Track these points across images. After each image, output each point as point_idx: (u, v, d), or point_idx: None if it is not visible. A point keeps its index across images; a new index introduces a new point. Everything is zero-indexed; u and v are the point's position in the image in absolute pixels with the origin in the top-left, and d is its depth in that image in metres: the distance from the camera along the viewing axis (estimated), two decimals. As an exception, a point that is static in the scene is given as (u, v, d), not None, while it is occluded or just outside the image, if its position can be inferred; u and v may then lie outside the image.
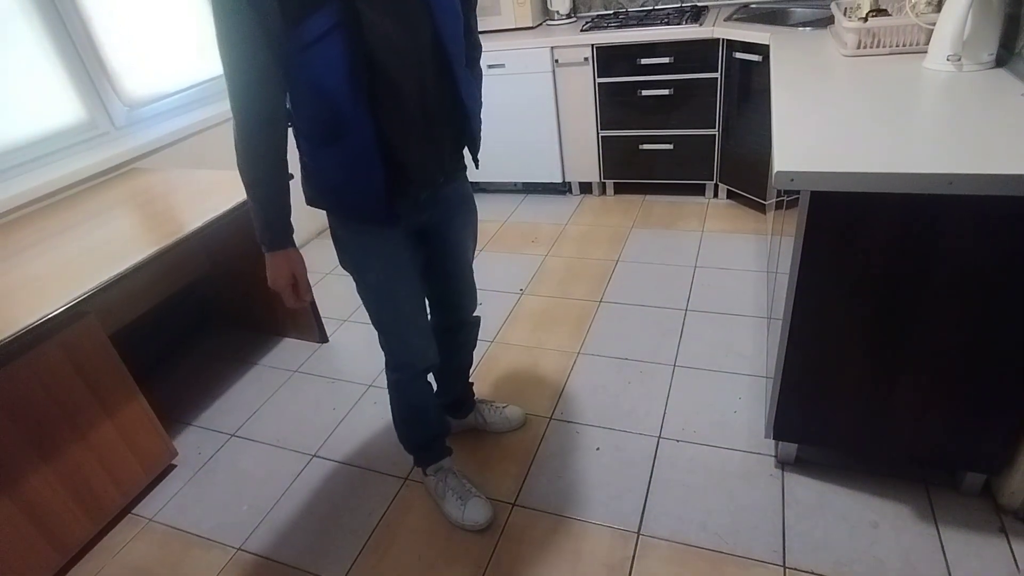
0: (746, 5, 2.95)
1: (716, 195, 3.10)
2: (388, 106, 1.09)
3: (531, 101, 3.08)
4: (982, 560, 1.33)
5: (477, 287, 1.58)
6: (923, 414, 1.35)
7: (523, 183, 3.47)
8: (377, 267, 1.31)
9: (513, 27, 3.14)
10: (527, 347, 2.20)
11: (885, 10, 1.79)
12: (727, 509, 1.52)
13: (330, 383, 2.16)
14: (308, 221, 3.10)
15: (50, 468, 1.50)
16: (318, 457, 1.85)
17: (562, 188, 3.41)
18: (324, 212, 1.27)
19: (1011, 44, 1.60)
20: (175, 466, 1.89)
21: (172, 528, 1.69)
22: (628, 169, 3.14)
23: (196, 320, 2.58)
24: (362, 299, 1.38)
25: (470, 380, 1.80)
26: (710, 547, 1.44)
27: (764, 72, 2.40)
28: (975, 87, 1.43)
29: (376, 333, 1.43)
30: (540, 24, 3.24)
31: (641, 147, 3.04)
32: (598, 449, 1.74)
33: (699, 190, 3.14)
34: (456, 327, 1.61)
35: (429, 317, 1.51)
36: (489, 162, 2.79)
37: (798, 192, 1.20)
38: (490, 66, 3.00)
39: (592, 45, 2.86)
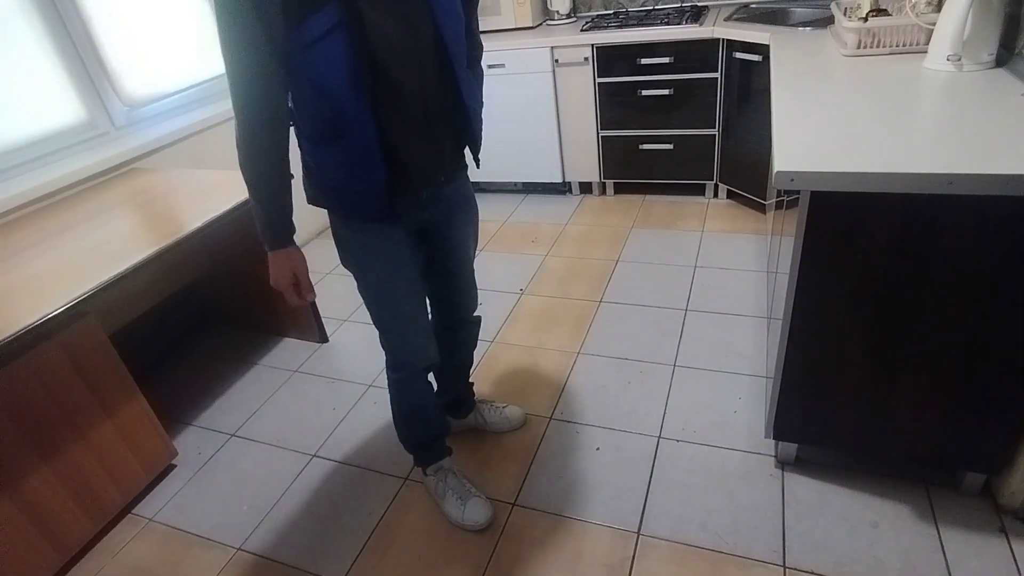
0: (746, 5, 2.95)
1: (716, 195, 3.10)
2: (389, 106, 1.10)
3: (531, 101, 3.08)
4: (982, 560, 1.33)
5: (477, 287, 1.58)
6: (923, 414, 1.35)
7: (523, 183, 3.47)
8: (378, 266, 1.31)
9: (513, 27, 3.14)
10: (527, 347, 2.20)
11: (885, 10, 1.79)
12: (727, 509, 1.52)
13: (330, 383, 2.16)
14: (309, 220, 3.10)
15: (50, 468, 1.50)
16: (318, 457, 1.85)
17: (562, 188, 3.41)
18: (325, 211, 1.27)
19: (1011, 44, 1.60)
20: (175, 466, 1.89)
21: (172, 528, 1.69)
22: (628, 169, 3.14)
23: (196, 320, 2.58)
24: (363, 298, 1.38)
25: (470, 380, 1.80)
26: (710, 547, 1.44)
27: (764, 72, 2.41)
28: (975, 87, 1.43)
29: (377, 332, 1.44)
30: (540, 24, 3.24)
31: (641, 147, 3.04)
32: (598, 449, 1.74)
33: (699, 190, 3.14)
34: (457, 326, 1.61)
35: (430, 316, 1.51)
36: (489, 162, 2.79)
37: (798, 192, 1.20)
38: (490, 66, 3.00)
39: (592, 45, 2.86)
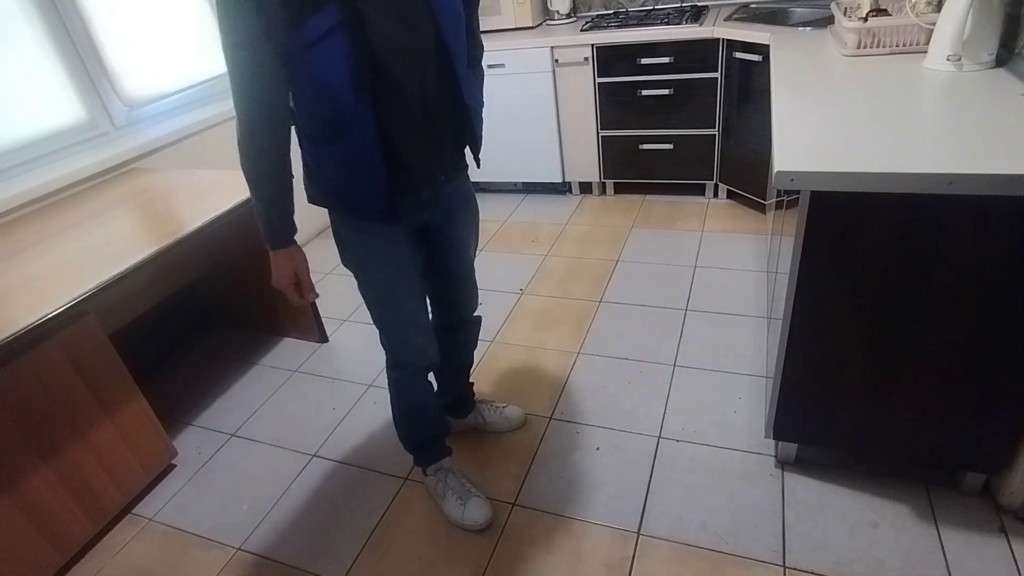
0: (746, 5, 2.95)
1: (716, 195, 3.10)
2: (390, 105, 1.10)
3: (531, 101, 3.08)
4: (982, 560, 1.33)
5: (478, 286, 1.58)
6: (923, 414, 1.35)
7: (523, 183, 3.47)
8: (378, 265, 1.32)
9: (513, 27, 3.14)
10: (527, 347, 2.20)
11: (885, 10, 1.79)
12: (727, 509, 1.52)
13: (330, 383, 2.16)
14: (309, 220, 3.10)
15: (50, 468, 1.50)
16: (318, 457, 1.85)
17: (562, 188, 3.41)
18: (325, 211, 1.27)
19: (1011, 44, 1.60)
20: (175, 466, 1.89)
21: (172, 528, 1.69)
22: (628, 169, 3.14)
23: (196, 320, 2.58)
24: (363, 297, 1.38)
25: (470, 380, 1.80)
26: (710, 547, 1.44)
27: (764, 72, 2.41)
28: (975, 87, 1.43)
29: (377, 332, 1.44)
30: (540, 24, 3.24)
31: (641, 147, 3.04)
32: (598, 449, 1.74)
33: (699, 190, 3.14)
34: (457, 326, 1.61)
35: (430, 316, 1.51)
36: (489, 162, 2.79)
37: (798, 192, 1.20)
38: (490, 66, 3.00)
39: (592, 45, 2.86)
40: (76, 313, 1.48)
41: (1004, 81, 1.45)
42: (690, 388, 1.91)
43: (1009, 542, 1.36)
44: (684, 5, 3.09)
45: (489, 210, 3.29)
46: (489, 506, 1.57)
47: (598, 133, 3.08)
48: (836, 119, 1.35)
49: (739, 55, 2.60)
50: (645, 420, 1.81)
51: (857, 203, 1.15)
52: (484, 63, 1.38)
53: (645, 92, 2.88)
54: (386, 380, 1.53)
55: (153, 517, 1.73)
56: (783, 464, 1.61)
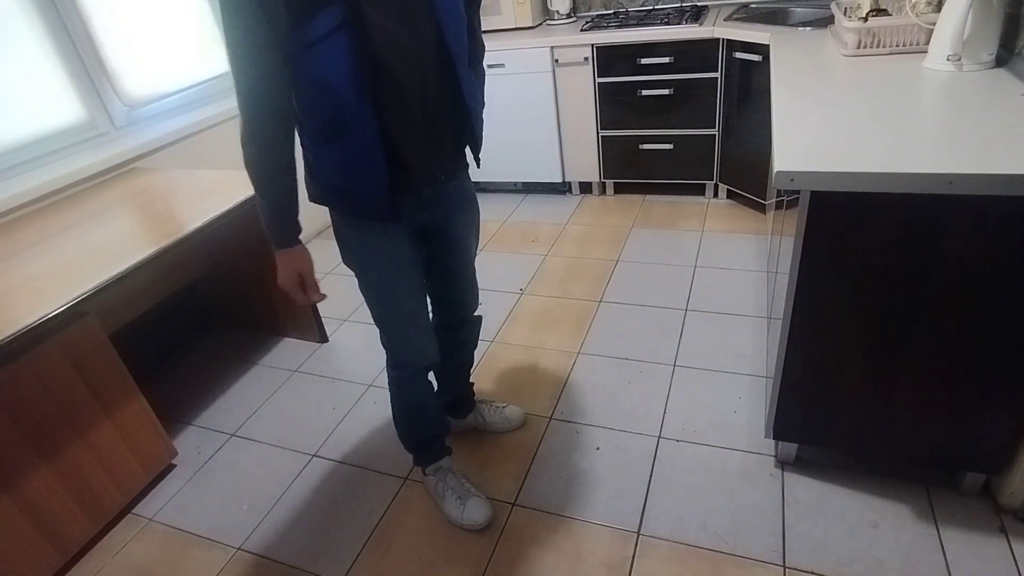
0: (746, 5, 2.95)
1: (716, 195, 3.10)
2: (390, 105, 1.10)
3: (531, 101, 3.08)
4: (982, 560, 1.33)
5: (478, 286, 1.58)
6: (923, 414, 1.35)
7: (523, 183, 3.47)
8: (379, 264, 1.32)
9: (513, 27, 3.14)
10: (527, 347, 2.20)
11: (885, 10, 1.79)
12: (727, 509, 1.52)
13: (330, 383, 2.16)
14: (310, 219, 3.09)
15: (50, 468, 1.50)
16: (318, 457, 1.85)
17: (562, 188, 3.41)
18: (327, 210, 1.27)
19: (1011, 44, 1.60)
20: (175, 466, 1.89)
21: (172, 528, 1.69)
22: (628, 169, 3.14)
23: (196, 320, 2.58)
24: (364, 296, 1.38)
25: (471, 380, 1.80)
26: (710, 547, 1.44)
27: (764, 72, 2.41)
28: (975, 87, 1.43)
29: (377, 331, 1.44)
30: (540, 24, 3.24)
31: (641, 147, 3.04)
32: (598, 449, 1.74)
33: (699, 190, 3.14)
34: (457, 325, 1.61)
35: (430, 315, 1.51)
36: (489, 162, 2.80)
37: (798, 192, 1.20)
38: (490, 66, 3.00)
39: (592, 45, 2.86)
40: (76, 313, 1.48)
41: (1004, 81, 1.45)
42: (690, 388, 1.91)
43: (1009, 542, 1.36)
44: (684, 5, 3.09)
45: (489, 210, 3.29)
46: (489, 506, 1.58)
47: (598, 133, 3.08)
48: (836, 119, 1.35)
49: (739, 55, 2.60)
50: (645, 420, 1.81)
51: (857, 203, 1.15)
52: (484, 63, 1.38)
53: (645, 92, 2.88)
54: (386, 380, 1.53)
55: (153, 517, 1.74)
56: (783, 464, 1.61)
